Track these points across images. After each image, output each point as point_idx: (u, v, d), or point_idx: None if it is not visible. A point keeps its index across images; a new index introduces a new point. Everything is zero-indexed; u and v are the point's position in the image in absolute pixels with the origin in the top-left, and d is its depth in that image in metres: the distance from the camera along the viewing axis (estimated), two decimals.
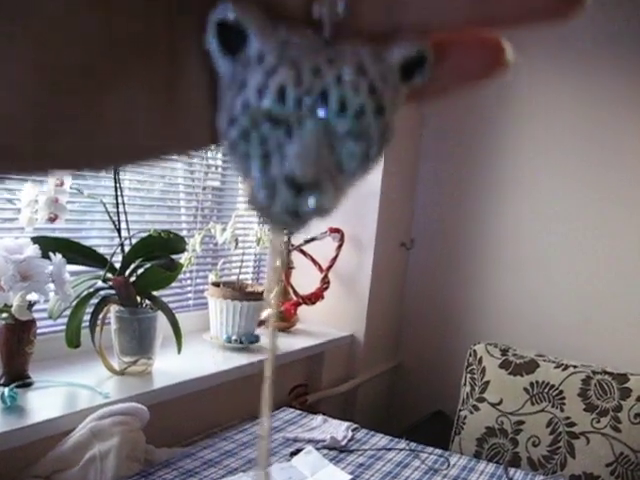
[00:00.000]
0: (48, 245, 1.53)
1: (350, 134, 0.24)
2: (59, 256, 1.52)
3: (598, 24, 2.52)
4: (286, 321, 2.42)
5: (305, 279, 2.49)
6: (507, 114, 2.73)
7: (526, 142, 2.69)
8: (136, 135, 0.24)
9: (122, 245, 1.69)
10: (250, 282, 2.38)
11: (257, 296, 2.13)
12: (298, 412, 1.93)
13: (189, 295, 2.29)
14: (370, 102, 0.24)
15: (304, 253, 2.49)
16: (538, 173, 2.68)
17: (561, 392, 2.21)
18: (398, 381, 2.95)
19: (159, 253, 1.71)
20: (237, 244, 2.07)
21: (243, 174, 0.25)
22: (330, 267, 2.48)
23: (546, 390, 2.23)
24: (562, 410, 2.20)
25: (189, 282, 2.29)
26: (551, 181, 2.66)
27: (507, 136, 2.73)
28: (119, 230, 1.70)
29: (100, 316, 1.66)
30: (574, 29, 2.56)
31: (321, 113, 0.23)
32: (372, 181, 2.53)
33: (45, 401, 1.47)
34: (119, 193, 1.70)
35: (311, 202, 0.24)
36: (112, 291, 1.69)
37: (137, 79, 0.23)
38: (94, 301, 1.66)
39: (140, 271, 1.71)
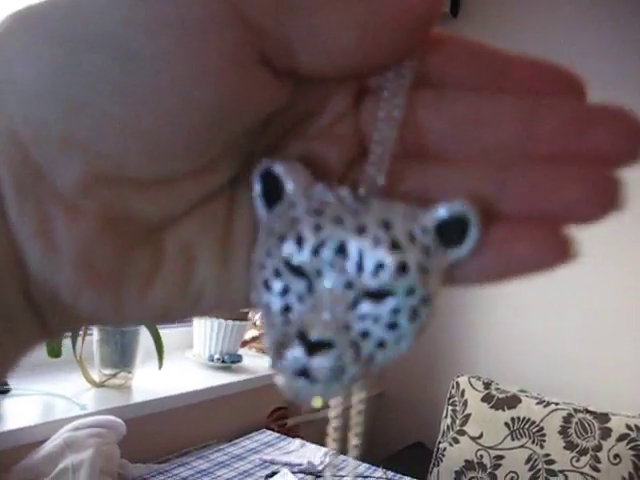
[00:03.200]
0: None
1: (372, 296, 0.22)
2: None
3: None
4: None
5: None
6: None
7: None
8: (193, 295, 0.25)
9: None
10: None
11: (242, 316, 2.12)
12: (276, 435, 1.91)
13: None
14: (390, 258, 0.22)
15: None
16: None
17: (542, 429, 2.21)
18: (379, 410, 2.93)
19: None
20: None
21: (265, 321, 0.24)
22: None
23: (527, 426, 2.22)
24: (542, 447, 2.19)
25: None
26: None
27: None
28: None
29: (82, 327, 1.64)
30: None
31: (338, 263, 0.22)
32: None
33: (21, 409, 1.45)
34: None
35: (321, 362, 0.22)
36: None
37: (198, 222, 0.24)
38: None
39: None
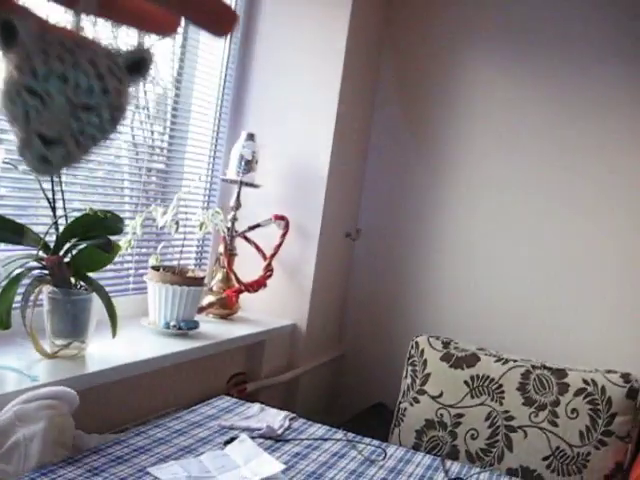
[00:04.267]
0: None
1: (86, 107, 0.35)
2: None
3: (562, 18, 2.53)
4: (227, 308, 2.37)
5: (249, 267, 2.45)
6: (459, 105, 2.72)
7: (477, 138, 2.69)
8: None
9: (56, 224, 1.63)
10: (192, 267, 2.33)
11: (198, 281, 2.09)
12: (235, 400, 1.89)
13: (130, 279, 2.23)
14: (97, 85, 0.34)
15: (248, 240, 2.45)
16: (484, 167, 2.68)
17: (501, 386, 2.22)
18: (340, 372, 2.93)
19: (96, 233, 1.65)
20: (178, 228, 2.02)
21: (12, 128, 0.35)
22: (274, 255, 2.45)
23: (486, 384, 2.23)
24: (501, 404, 2.20)
25: (130, 265, 2.24)
26: (496, 176, 2.67)
27: (457, 128, 2.72)
28: (54, 208, 1.64)
29: (32, 297, 1.59)
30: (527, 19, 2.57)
31: (61, 90, 0.34)
32: (319, 170, 2.50)
33: None
34: None
35: (55, 152, 0.35)
36: (45, 271, 1.63)
37: None
38: (26, 281, 1.60)
39: (75, 251, 1.65)
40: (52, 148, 0.34)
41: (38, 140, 0.34)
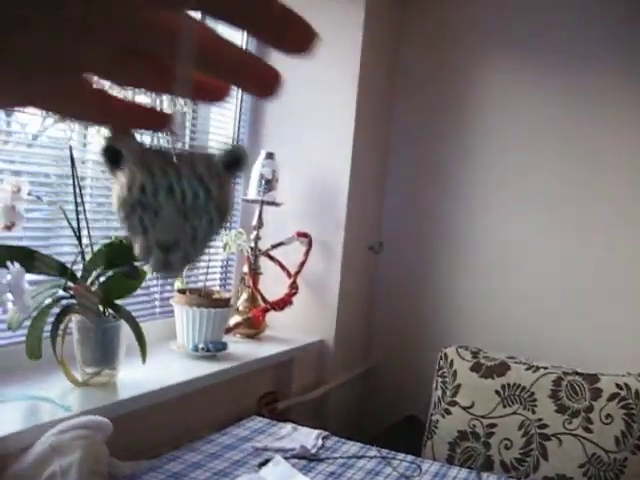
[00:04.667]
0: (4, 254, 1.48)
1: (195, 212, 0.37)
2: (17, 265, 1.46)
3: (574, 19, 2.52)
4: (254, 328, 2.38)
5: (273, 285, 2.45)
6: (476, 116, 2.72)
7: (495, 146, 2.69)
8: None
9: (82, 253, 1.65)
10: (217, 289, 2.33)
11: (224, 303, 2.09)
12: (267, 421, 1.89)
13: (156, 303, 2.24)
14: (201, 190, 0.37)
15: (272, 258, 2.45)
16: (507, 177, 2.67)
17: (532, 394, 2.20)
18: (370, 386, 2.92)
19: (122, 261, 1.66)
20: None
21: (132, 240, 0.38)
22: (298, 272, 2.45)
23: (517, 392, 2.21)
24: (534, 412, 2.18)
25: (156, 289, 2.25)
26: (520, 185, 2.65)
27: (475, 140, 2.72)
28: (79, 238, 1.66)
29: (61, 326, 1.61)
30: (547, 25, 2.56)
31: (170, 201, 0.36)
32: (339, 184, 2.50)
33: (3, 417, 1.41)
34: (79, 199, 1.65)
35: (174, 256, 0.37)
36: (73, 300, 1.64)
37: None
38: (55, 311, 1.61)
39: (102, 279, 1.66)
40: (171, 253, 0.37)
41: (157, 248, 0.37)
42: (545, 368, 2.24)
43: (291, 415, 2.33)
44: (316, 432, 1.80)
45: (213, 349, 2.03)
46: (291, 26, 0.34)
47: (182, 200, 0.36)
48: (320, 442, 1.74)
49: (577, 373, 2.21)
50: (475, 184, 2.72)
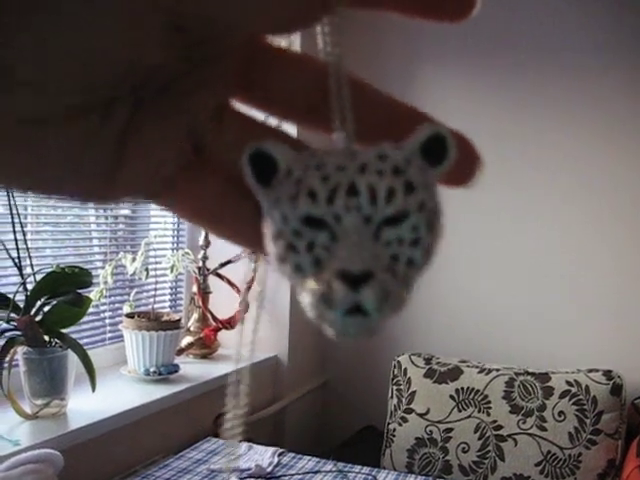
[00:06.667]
0: None
1: (391, 221, 0.24)
2: None
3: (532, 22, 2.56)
4: (207, 348, 2.36)
5: (225, 303, 2.44)
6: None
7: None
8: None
9: (24, 283, 1.62)
10: (166, 311, 2.31)
11: (174, 325, 2.08)
12: (222, 441, 1.88)
13: (106, 329, 2.21)
14: (398, 182, 0.24)
15: (220, 277, 2.44)
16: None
17: (486, 396, 2.23)
18: (326, 399, 2.92)
19: (65, 289, 1.64)
20: (148, 274, 2.01)
21: (298, 283, 0.25)
22: (248, 289, 2.43)
23: (471, 396, 2.24)
24: (488, 414, 2.21)
25: (105, 315, 2.22)
26: (466, 193, 2.68)
27: None
28: (19, 268, 1.63)
29: (7, 358, 1.58)
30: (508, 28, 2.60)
31: (353, 208, 0.24)
32: None
33: None
34: (17, 229, 1.63)
35: (369, 293, 0.24)
36: (18, 332, 1.61)
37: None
38: (0, 343, 1.59)
39: (46, 309, 1.64)
40: (362, 289, 0.23)
41: (340, 283, 0.24)
42: (497, 370, 2.27)
43: (248, 434, 2.31)
44: (272, 449, 1.80)
45: (165, 372, 2.01)
46: None
47: (370, 204, 0.24)
48: (276, 459, 1.74)
49: (528, 373, 2.24)
50: None
